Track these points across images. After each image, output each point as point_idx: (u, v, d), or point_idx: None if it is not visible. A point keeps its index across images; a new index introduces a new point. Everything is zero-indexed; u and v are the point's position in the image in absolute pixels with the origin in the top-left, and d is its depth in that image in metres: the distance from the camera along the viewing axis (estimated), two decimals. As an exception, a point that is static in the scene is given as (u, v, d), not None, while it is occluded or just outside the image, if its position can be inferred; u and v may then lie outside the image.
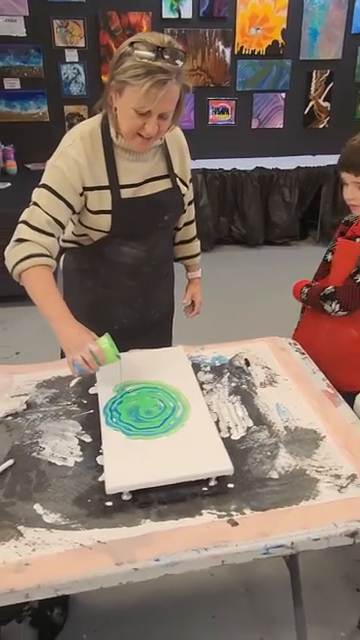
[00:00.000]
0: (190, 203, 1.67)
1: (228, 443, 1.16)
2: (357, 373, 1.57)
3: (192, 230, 1.74)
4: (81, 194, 1.35)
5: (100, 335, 1.23)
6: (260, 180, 4.41)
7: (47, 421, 1.27)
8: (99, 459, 1.13)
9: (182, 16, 4.23)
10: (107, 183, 1.36)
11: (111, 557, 0.92)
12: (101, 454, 1.13)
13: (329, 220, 4.58)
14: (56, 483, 1.08)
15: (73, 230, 1.50)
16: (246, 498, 1.03)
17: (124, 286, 1.55)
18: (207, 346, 1.59)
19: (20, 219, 1.32)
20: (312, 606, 1.54)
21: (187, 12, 4.23)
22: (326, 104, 4.76)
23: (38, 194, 1.32)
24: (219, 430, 1.21)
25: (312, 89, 4.68)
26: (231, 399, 1.34)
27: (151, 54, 1.15)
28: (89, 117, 1.41)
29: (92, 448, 1.17)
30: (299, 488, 1.06)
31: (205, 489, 1.05)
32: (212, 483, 1.06)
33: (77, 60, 4.26)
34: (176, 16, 4.23)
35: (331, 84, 4.69)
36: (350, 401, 1.35)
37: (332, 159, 4.56)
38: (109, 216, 1.38)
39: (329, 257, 1.71)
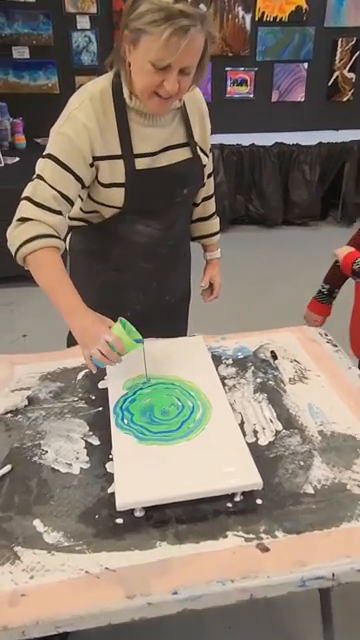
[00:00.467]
0: (209, 175, 1.50)
1: (255, 450, 1.02)
2: None
3: (211, 206, 1.58)
4: (91, 165, 1.19)
5: (116, 321, 1.08)
6: (279, 156, 4.20)
7: (50, 420, 1.13)
8: (108, 466, 1.00)
9: (200, -21, 3.98)
10: (120, 152, 1.20)
11: (121, 588, 0.78)
12: (111, 460, 1.00)
13: (352, 199, 4.37)
14: (59, 494, 0.95)
15: (81, 206, 1.34)
16: (278, 518, 0.89)
17: (137, 269, 1.40)
18: (228, 336, 1.44)
19: (23, 195, 1.16)
20: (340, 619, 1.41)
21: (205, -25, 3.97)
22: (351, 75, 4.50)
23: (42, 165, 1.17)
24: (244, 434, 1.06)
25: (337, 59, 4.42)
26: (257, 397, 1.19)
27: None
28: None
29: (100, 452, 1.04)
30: (339, 506, 0.91)
31: (230, 505, 0.91)
32: (238, 498, 0.92)
33: (89, 27, 4.05)
34: (194, -21, 3.98)
35: (357, 54, 4.42)
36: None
37: (356, 134, 4.35)
38: (122, 190, 1.22)
39: None
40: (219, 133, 4.12)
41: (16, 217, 1.15)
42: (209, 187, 1.52)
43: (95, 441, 1.07)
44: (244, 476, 0.91)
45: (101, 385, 1.23)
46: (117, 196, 1.23)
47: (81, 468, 1.00)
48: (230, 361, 1.32)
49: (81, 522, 0.89)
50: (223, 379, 1.24)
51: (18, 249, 1.12)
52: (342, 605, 1.52)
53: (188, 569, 0.81)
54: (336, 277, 1.64)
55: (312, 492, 0.94)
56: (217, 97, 4.35)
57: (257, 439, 1.07)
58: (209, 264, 1.64)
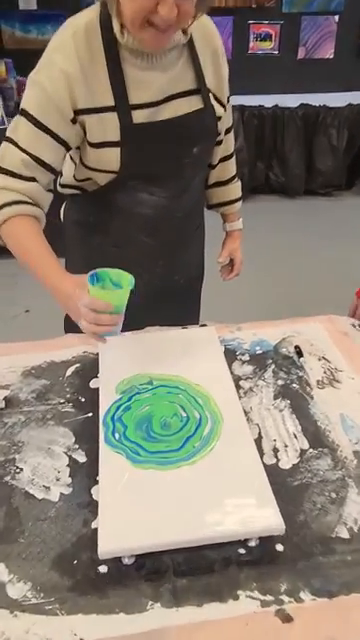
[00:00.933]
0: (228, 130, 1.27)
1: (275, 474, 0.82)
2: None
3: (231, 167, 1.34)
4: (73, 121, 0.97)
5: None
6: (304, 119, 3.88)
7: (30, 427, 0.95)
8: (95, 491, 0.81)
9: None
10: (112, 102, 0.98)
11: (99, 671, 0.61)
12: (98, 484, 0.81)
13: (381, 167, 4.06)
14: (32, 529, 0.77)
15: (74, 172, 1.13)
16: (304, 573, 0.70)
17: (141, 245, 1.19)
18: (245, 325, 1.23)
19: None
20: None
21: None
22: (386, 30, 4.11)
23: (15, 124, 0.96)
24: (261, 453, 0.87)
25: (371, 11, 4.03)
26: (278, 405, 0.99)
27: None
28: None
29: (86, 472, 0.85)
30: (383, 559, 0.72)
31: (242, 552, 0.72)
32: (253, 543, 0.73)
33: (100, -25, 3.71)
34: None
35: (393, 5, 4.03)
36: None
37: (391, 95, 4.01)
38: (117, 150, 1.00)
39: None
40: (239, 94, 3.79)
41: None
42: (228, 145, 1.29)
43: (81, 457, 0.88)
44: (261, 517, 0.72)
45: (93, 384, 1.04)
46: (111, 158, 1.01)
47: (61, 494, 0.82)
48: (246, 357, 1.12)
49: (55, 569, 0.71)
50: (237, 380, 1.04)
51: None
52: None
53: (187, 645, 0.63)
54: None
55: (347, 537, 0.75)
56: (238, 54, 4.01)
57: (278, 460, 0.87)
58: (229, 236, 1.42)
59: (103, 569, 0.71)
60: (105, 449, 0.83)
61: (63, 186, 1.18)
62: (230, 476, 0.78)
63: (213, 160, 1.27)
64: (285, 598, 0.67)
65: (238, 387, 1.01)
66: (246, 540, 0.72)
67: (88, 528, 0.77)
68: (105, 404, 0.92)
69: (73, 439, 0.92)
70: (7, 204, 0.93)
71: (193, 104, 1.05)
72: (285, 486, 0.82)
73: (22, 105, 0.95)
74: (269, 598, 0.67)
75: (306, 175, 4.10)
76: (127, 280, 0.90)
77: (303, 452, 0.88)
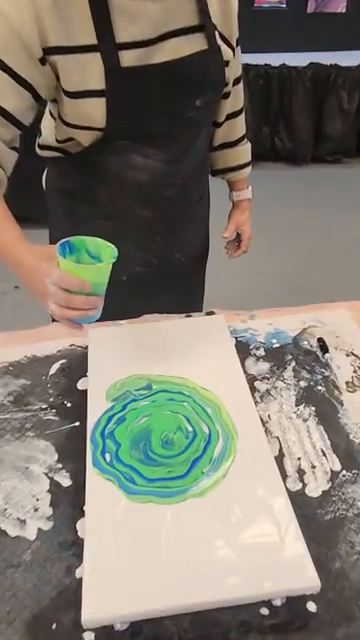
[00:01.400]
0: (237, 81, 1.08)
1: (301, 504, 0.67)
2: None
3: (240, 126, 1.15)
4: (42, 61, 0.78)
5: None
6: (314, 79, 3.62)
7: (5, 439, 0.79)
8: (81, 526, 0.66)
9: None
10: (94, 40, 0.78)
11: None
12: (84, 515, 0.66)
13: (394, 133, 3.82)
14: (1, 579, 0.62)
15: (55, 133, 0.94)
16: (344, 644, 0.55)
17: (135, 218, 1.01)
18: (258, 313, 1.06)
19: None
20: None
21: None
22: None
23: None
24: (284, 475, 0.71)
25: None
26: (301, 412, 0.83)
27: None
28: None
29: (70, 501, 0.70)
30: None
31: (265, 613, 0.57)
32: (278, 602, 0.58)
33: None
34: None
35: None
36: None
37: None
38: (101, 101, 0.82)
39: None
40: (244, 52, 3.45)
41: None
42: (236, 98, 1.09)
43: (64, 480, 0.73)
44: (290, 571, 0.57)
45: (81, 385, 0.88)
46: (94, 112, 0.82)
47: (39, 530, 0.67)
48: (261, 352, 0.95)
49: (29, 635, 0.56)
50: (252, 380, 0.88)
51: None
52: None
53: None
54: None
55: None
56: (243, 7, 3.66)
57: (304, 485, 0.71)
58: (236, 207, 1.24)
59: (89, 636, 0.56)
60: (93, 475, 0.67)
61: (42, 148, 0.99)
62: (249, 513, 0.62)
63: (219, 116, 1.08)
64: None
65: (253, 389, 0.85)
66: (270, 598, 0.57)
67: (72, 577, 0.61)
68: (94, 415, 0.76)
69: (56, 456, 0.76)
70: None
71: (195, 44, 0.86)
72: (315, 521, 0.66)
73: None
74: None
75: (314, 141, 3.86)
76: (108, 252, 0.72)
77: (334, 475, 0.73)
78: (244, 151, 1.20)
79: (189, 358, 0.86)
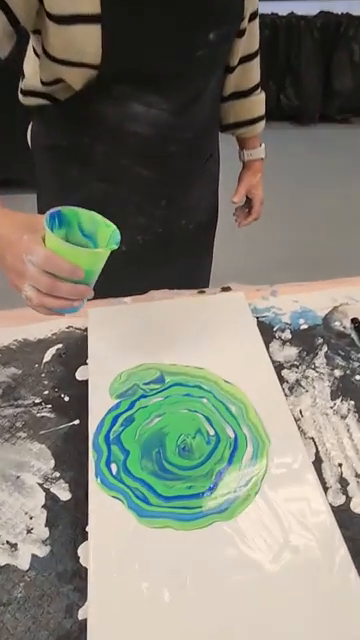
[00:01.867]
0: (253, 17, 0.92)
1: (347, 522, 0.56)
2: None
3: (254, 72, 1.00)
4: None
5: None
6: (323, 30, 3.39)
7: (-7, 442, 0.67)
8: (83, 551, 0.55)
9: None
10: None
11: None
12: (87, 538, 0.55)
13: None
14: (-13, 623, 0.51)
15: (39, 74, 0.79)
16: None
17: (135, 179, 0.88)
18: (281, 288, 0.93)
19: None
20: None
21: None
22: None
23: None
24: (323, 484, 0.60)
25: None
26: (338, 407, 0.71)
27: None
28: None
29: (71, 519, 0.58)
30: None
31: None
32: (328, 653, 0.47)
33: None
34: None
35: None
36: None
37: None
38: (95, 29, 0.67)
39: None
40: None
41: None
42: (252, 38, 0.93)
43: (63, 492, 0.61)
44: (346, 618, 0.46)
45: (80, 375, 0.76)
46: (87, 42, 0.67)
47: (33, 557, 0.55)
48: (287, 334, 0.83)
49: None
50: (279, 369, 0.76)
51: None
52: None
53: None
54: None
55: None
56: None
57: (348, 498, 0.60)
58: (247, 168, 1.10)
59: None
60: (96, 491, 0.56)
61: (26, 94, 0.84)
62: (290, 539, 0.51)
63: (232, 59, 0.92)
64: None
65: (281, 380, 0.73)
66: (319, 651, 0.47)
67: (73, 620, 0.50)
68: (96, 415, 0.64)
69: (52, 462, 0.65)
70: None
71: None
72: (363, 544, 0.55)
73: None
74: None
75: (322, 98, 3.64)
76: (107, 233, 0.59)
77: (383, 485, 0.62)
78: (258, 102, 1.05)
79: (207, 344, 0.74)
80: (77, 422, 0.69)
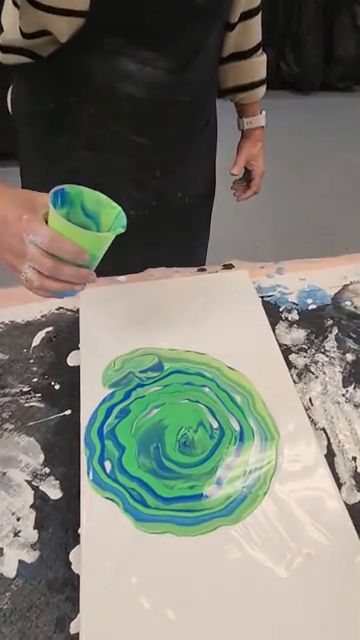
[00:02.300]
0: None
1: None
2: None
3: (255, 30, 0.92)
4: None
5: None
6: (326, -8, 3.24)
7: (-24, 435, 0.62)
8: (75, 556, 0.50)
9: None
10: None
11: None
12: (79, 541, 0.50)
13: None
14: (-31, 639, 0.46)
15: (20, 24, 0.71)
16: None
17: (127, 146, 0.81)
18: (286, 265, 0.87)
19: None
20: None
21: None
22: None
23: None
24: (338, 482, 0.55)
25: None
26: (351, 395, 0.66)
27: None
28: None
29: (62, 520, 0.53)
30: None
31: None
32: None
33: None
34: None
35: None
36: None
37: None
38: None
39: None
40: None
41: None
42: None
43: (53, 491, 0.56)
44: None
45: (72, 361, 0.70)
46: None
47: (21, 563, 0.51)
48: (295, 315, 0.77)
49: None
50: (286, 353, 0.70)
51: None
52: None
53: None
54: None
55: None
56: None
57: (363, 494, 0.55)
58: (247, 138, 1.03)
59: None
60: (89, 491, 0.51)
61: (5, 50, 0.75)
62: (303, 543, 0.46)
63: (232, 15, 0.84)
64: None
65: (288, 365, 0.68)
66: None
67: (65, 634, 0.46)
68: (88, 406, 0.59)
69: (41, 457, 0.60)
70: None
71: None
72: (383, 548, 0.51)
73: None
74: None
75: (323, 65, 3.51)
76: (112, 214, 0.56)
77: None
78: (259, 64, 0.97)
79: (208, 326, 0.68)
80: (69, 412, 0.64)
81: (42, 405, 0.65)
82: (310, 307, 0.78)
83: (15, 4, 0.69)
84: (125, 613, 0.42)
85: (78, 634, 0.45)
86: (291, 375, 0.66)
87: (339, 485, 0.56)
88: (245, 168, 1.04)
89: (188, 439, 0.55)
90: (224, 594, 0.43)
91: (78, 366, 0.67)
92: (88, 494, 0.50)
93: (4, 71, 0.79)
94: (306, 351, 0.71)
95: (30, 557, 0.51)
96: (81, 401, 0.59)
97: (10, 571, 0.50)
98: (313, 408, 0.64)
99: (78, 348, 0.70)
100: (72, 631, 0.46)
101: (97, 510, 0.49)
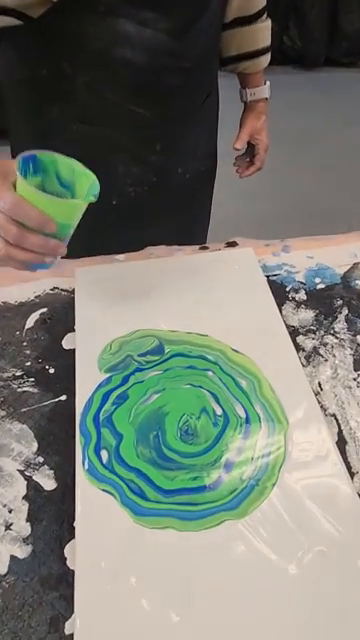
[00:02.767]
0: None
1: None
2: None
3: None
4: None
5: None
6: None
7: (-34, 422, 0.59)
8: (70, 551, 0.47)
9: None
10: None
11: None
12: (75, 535, 0.47)
13: None
14: None
15: None
16: None
17: (126, 117, 0.76)
18: (293, 242, 0.82)
19: None
20: None
21: None
22: None
23: None
24: (350, 472, 0.52)
25: None
26: (362, 379, 0.62)
27: None
28: None
29: (56, 512, 0.50)
30: None
31: None
32: None
33: None
34: None
35: None
36: None
37: None
38: None
39: None
40: None
41: None
42: None
43: (47, 481, 0.53)
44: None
45: (68, 344, 0.66)
46: None
47: (12, 559, 0.48)
48: (302, 295, 0.73)
49: None
50: (294, 335, 0.66)
51: None
52: None
53: None
54: None
55: None
56: None
57: (376, 485, 0.52)
58: (250, 110, 0.98)
59: None
60: (84, 483, 0.47)
61: None
62: (313, 540, 0.43)
63: None
64: None
65: (297, 348, 0.64)
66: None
67: (59, 634, 0.43)
68: (84, 391, 0.55)
69: (35, 445, 0.56)
70: None
71: None
72: None
73: None
74: None
75: (327, 39, 3.41)
76: (86, 183, 0.52)
77: None
78: (264, 30, 0.91)
79: (212, 306, 0.64)
80: (64, 398, 0.60)
81: (36, 390, 0.62)
82: (318, 287, 0.74)
83: None
84: (123, 615, 0.39)
85: (72, 635, 0.42)
86: (299, 358, 0.63)
87: (351, 474, 0.52)
88: (248, 143, 1.00)
89: (190, 427, 0.51)
90: (230, 594, 0.40)
91: (74, 349, 0.64)
92: (83, 486, 0.47)
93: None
94: (315, 333, 0.67)
95: (22, 552, 0.48)
96: (76, 387, 0.56)
97: (1, 567, 0.47)
98: (323, 393, 0.60)
99: (74, 330, 0.66)
100: (67, 631, 0.43)
101: (93, 504, 0.46)
